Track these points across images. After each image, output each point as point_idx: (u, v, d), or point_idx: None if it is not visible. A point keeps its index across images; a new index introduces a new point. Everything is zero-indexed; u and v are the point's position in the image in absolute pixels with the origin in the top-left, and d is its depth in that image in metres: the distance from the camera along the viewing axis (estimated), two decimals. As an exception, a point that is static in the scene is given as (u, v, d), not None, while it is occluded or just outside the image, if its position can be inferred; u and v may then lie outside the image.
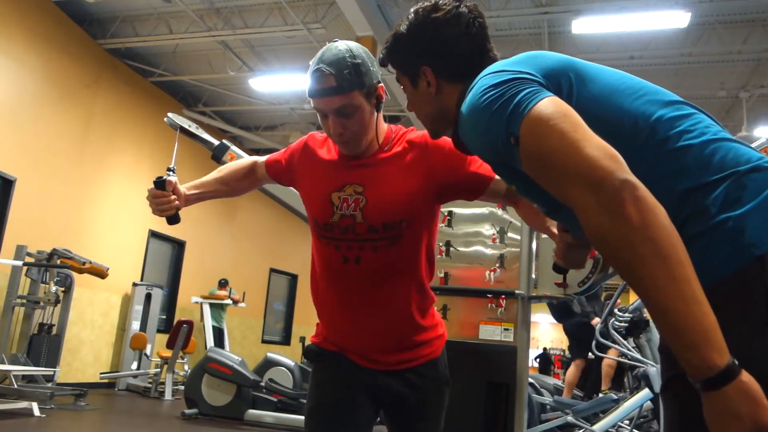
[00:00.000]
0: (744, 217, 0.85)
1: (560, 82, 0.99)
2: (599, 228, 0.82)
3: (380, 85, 1.43)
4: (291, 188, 1.71)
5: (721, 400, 0.75)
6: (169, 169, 1.63)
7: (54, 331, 6.68)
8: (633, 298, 6.02)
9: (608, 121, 0.94)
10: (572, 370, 6.19)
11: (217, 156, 3.08)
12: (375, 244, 1.41)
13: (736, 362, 0.76)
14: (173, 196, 1.55)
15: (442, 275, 2.85)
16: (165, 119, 3.00)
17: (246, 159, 1.73)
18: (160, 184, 1.54)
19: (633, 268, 0.80)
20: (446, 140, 1.41)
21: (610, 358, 5.42)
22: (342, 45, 1.40)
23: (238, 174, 1.67)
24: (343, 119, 1.38)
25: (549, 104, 0.91)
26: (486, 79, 1.00)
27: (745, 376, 0.75)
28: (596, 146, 0.85)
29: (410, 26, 1.20)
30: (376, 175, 1.45)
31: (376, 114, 1.44)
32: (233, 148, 3.09)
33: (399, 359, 1.50)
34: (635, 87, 1.00)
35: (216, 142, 3.09)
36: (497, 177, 1.41)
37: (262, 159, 1.69)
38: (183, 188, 1.58)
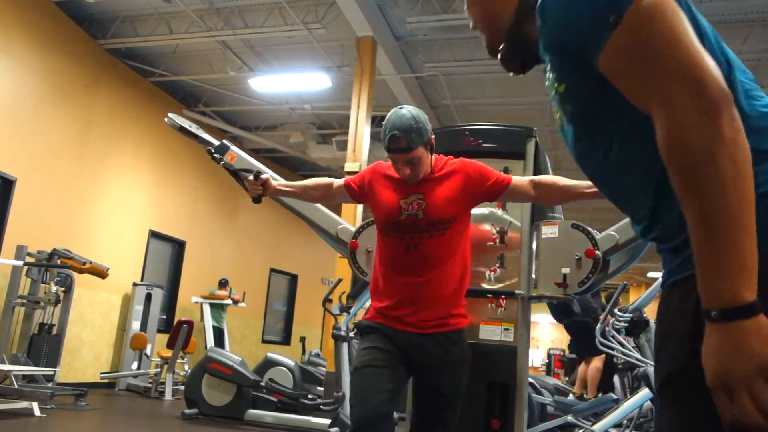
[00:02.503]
0: None
1: None
2: (685, 133, 0.78)
3: (432, 137, 2.07)
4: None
5: (737, 332, 0.74)
6: (255, 172, 2.16)
7: (54, 331, 6.68)
8: (633, 298, 6.01)
9: None
10: (584, 368, 6.07)
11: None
12: (431, 233, 2.03)
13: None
14: (260, 186, 2.13)
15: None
16: (165, 119, 2.99)
17: (325, 179, 2.31)
18: (256, 174, 2.13)
19: (705, 185, 0.77)
20: (475, 166, 2.12)
21: (612, 354, 5.36)
22: (407, 112, 2.02)
23: (320, 186, 2.26)
24: (410, 165, 2.03)
25: None
26: None
27: (765, 320, 0.74)
28: (705, 53, 0.82)
29: None
30: (430, 189, 2.08)
31: (430, 155, 2.09)
32: (233, 148, 3.08)
33: (435, 323, 2.01)
34: (720, 39, 0.98)
35: (216, 143, 3.09)
36: (512, 182, 2.07)
37: (339, 180, 2.28)
38: (275, 183, 2.19)
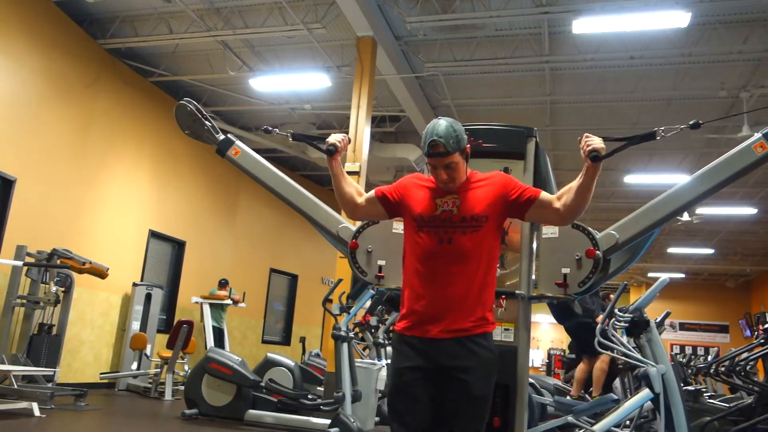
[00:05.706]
0: None
1: None
2: None
3: (468, 146, 2.16)
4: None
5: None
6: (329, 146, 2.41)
7: (54, 331, 6.68)
8: (633, 298, 5.98)
9: None
10: (582, 368, 6.09)
11: (222, 150, 3.09)
12: (464, 229, 2.11)
13: None
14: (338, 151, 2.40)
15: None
16: (182, 101, 3.08)
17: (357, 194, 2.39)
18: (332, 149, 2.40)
19: None
20: (509, 176, 2.24)
21: (610, 355, 5.35)
22: (445, 121, 2.14)
23: (357, 191, 2.37)
24: (448, 171, 2.13)
25: None
26: None
27: None
28: None
29: None
30: (465, 191, 2.18)
31: (465, 163, 2.19)
32: (238, 143, 3.10)
33: (461, 327, 2.04)
34: None
35: (222, 137, 3.11)
36: (540, 196, 2.12)
37: (367, 195, 2.37)
38: (340, 167, 2.41)
